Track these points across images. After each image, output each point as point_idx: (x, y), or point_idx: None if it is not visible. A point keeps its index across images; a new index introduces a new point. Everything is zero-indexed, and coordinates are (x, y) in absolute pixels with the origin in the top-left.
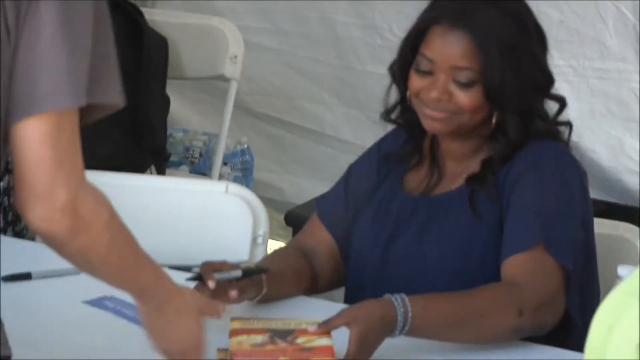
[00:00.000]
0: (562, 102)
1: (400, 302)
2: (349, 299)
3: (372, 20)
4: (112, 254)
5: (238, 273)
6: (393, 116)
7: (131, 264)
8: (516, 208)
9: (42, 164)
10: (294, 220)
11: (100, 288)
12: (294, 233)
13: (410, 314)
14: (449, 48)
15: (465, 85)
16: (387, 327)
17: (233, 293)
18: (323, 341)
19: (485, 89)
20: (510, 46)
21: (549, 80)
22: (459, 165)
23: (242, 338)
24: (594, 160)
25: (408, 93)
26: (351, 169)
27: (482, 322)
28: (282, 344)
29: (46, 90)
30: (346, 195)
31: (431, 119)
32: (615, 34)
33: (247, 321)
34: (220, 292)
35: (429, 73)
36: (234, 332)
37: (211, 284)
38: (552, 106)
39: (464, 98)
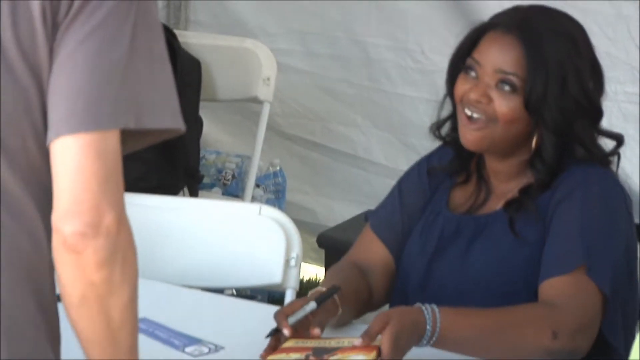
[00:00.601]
0: (618, 140)
1: (429, 311)
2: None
3: (405, 43)
4: (127, 312)
5: (313, 306)
6: (442, 133)
7: (131, 344)
8: (559, 230)
9: (89, 177)
10: (327, 242)
11: None
12: (327, 256)
13: (439, 324)
14: (498, 51)
15: (507, 92)
16: (417, 333)
17: (316, 332)
18: (356, 357)
19: (526, 98)
20: (559, 62)
21: (596, 110)
22: (505, 185)
23: (279, 356)
24: (627, 185)
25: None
26: (401, 183)
27: (514, 341)
28: None
29: (93, 109)
30: (401, 208)
31: (467, 128)
32: None
33: (304, 340)
34: (303, 331)
35: (474, 77)
36: (280, 350)
37: (287, 332)
38: (607, 143)
39: (503, 105)
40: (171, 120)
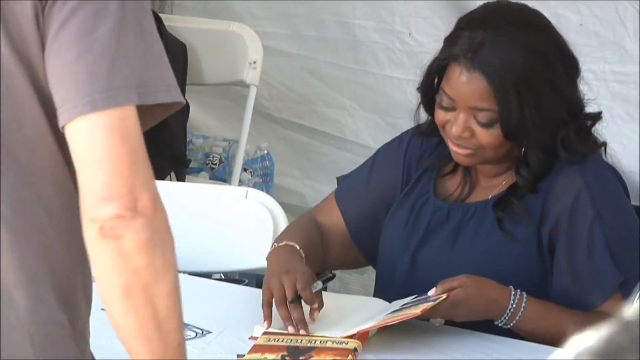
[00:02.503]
0: (595, 119)
1: (516, 298)
2: (377, 295)
3: (392, 24)
4: (172, 302)
5: (319, 285)
6: (426, 130)
7: (179, 341)
8: (583, 254)
9: (118, 162)
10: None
11: None
12: None
13: (520, 313)
14: (466, 88)
15: (486, 125)
16: (489, 312)
17: (316, 316)
18: None
19: (503, 129)
20: (528, 83)
21: (576, 109)
22: (492, 180)
23: (254, 356)
24: (614, 164)
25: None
26: (379, 154)
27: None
28: None
29: (106, 85)
30: (368, 183)
31: (456, 153)
32: (635, 37)
33: (274, 336)
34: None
35: (452, 109)
36: (253, 348)
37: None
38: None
39: (486, 136)
40: (170, 93)
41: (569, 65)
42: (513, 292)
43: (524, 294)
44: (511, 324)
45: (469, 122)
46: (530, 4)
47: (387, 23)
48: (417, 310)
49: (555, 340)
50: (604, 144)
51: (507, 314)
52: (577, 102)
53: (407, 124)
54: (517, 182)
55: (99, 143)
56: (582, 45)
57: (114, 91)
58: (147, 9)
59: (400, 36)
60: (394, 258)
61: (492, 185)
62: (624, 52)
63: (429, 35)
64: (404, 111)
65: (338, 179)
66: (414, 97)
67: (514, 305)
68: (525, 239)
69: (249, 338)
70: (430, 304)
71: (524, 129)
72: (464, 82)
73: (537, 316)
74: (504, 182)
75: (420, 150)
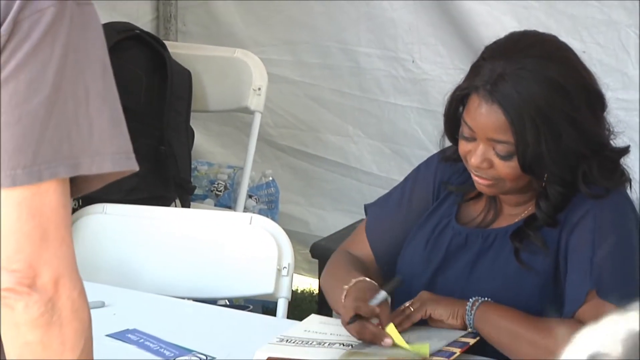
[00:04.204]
0: (622, 154)
1: (471, 302)
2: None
3: (395, 52)
4: None
5: (384, 295)
6: (452, 155)
7: None
8: (572, 265)
9: (20, 238)
10: (320, 252)
11: (122, 321)
12: (320, 266)
13: (472, 316)
14: (484, 119)
15: (504, 157)
16: (455, 304)
17: (387, 342)
18: None
19: (520, 162)
20: (546, 117)
21: (598, 144)
22: (515, 209)
23: None
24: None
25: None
26: (409, 179)
27: (533, 351)
28: None
29: (31, 159)
30: (399, 207)
31: (478, 183)
32: (637, 64)
33: None
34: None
35: (472, 139)
36: None
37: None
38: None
39: (504, 168)
40: (113, 163)
41: (592, 100)
42: (472, 299)
43: (485, 298)
44: (473, 311)
45: (487, 154)
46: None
47: (391, 50)
48: None
49: (506, 348)
50: (629, 180)
51: (468, 306)
52: (598, 138)
53: (411, 151)
54: (536, 214)
55: (8, 216)
56: None
57: (39, 166)
58: (99, 67)
59: (404, 63)
60: (412, 277)
61: (514, 214)
62: (627, 79)
63: (433, 63)
64: (408, 138)
65: (366, 207)
66: (418, 124)
67: (469, 307)
68: (542, 269)
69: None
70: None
71: (541, 163)
72: (482, 114)
73: (489, 317)
74: (526, 211)
75: (447, 174)
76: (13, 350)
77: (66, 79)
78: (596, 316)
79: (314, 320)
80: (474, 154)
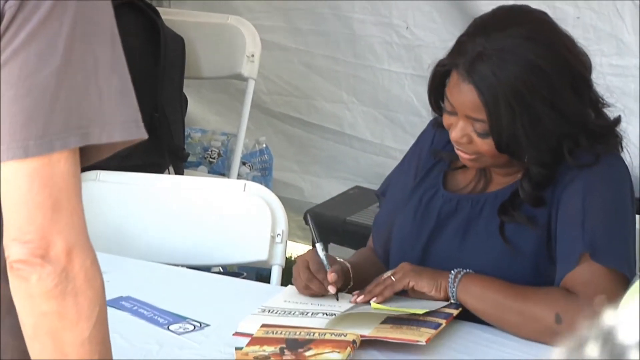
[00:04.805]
0: (611, 128)
1: (454, 273)
2: None
3: (389, 18)
4: (85, 352)
5: (320, 247)
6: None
7: None
8: (562, 227)
9: (33, 209)
10: (313, 219)
11: (116, 288)
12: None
13: (455, 287)
14: (462, 97)
15: (481, 135)
16: (436, 274)
17: (332, 276)
18: (330, 355)
19: (495, 142)
20: (522, 100)
21: (581, 124)
22: (506, 177)
23: (253, 349)
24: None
25: None
26: (406, 155)
27: (518, 318)
28: (288, 357)
29: (42, 131)
30: (386, 206)
31: (460, 156)
32: (632, 31)
33: (272, 329)
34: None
35: (453, 114)
36: (252, 341)
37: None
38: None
39: (483, 145)
40: (123, 131)
41: (576, 82)
42: (453, 270)
43: (467, 270)
44: (458, 278)
45: (467, 129)
46: None
47: (385, 17)
48: (422, 339)
49: (491, 316)
50: (620, 141)
51: (451, 275)
52: (582, 117)
53: (405, 118)
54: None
55: (19, 187)
56: (579, 39)
57: (50, 137)
58: (108, 38)
59: (398, 30)
60: (404, 251)
61: (505, 182)
62: (622, 45)
63: (427, 29)
64: (402, 105)
65: (377, 194)
66: (412, 91)
67: (452, 278)
68: (529, 249)
69: (234, 334)
70: (434, 332)
71: (518, 145)
72: (459, 92)
73: (471, 288)
74: (517, 178)
75: (442, 142)
76: (28, 321)
77: (76, 49)
78: (590, 280)
79: (293, 291)
80: (455, 129)
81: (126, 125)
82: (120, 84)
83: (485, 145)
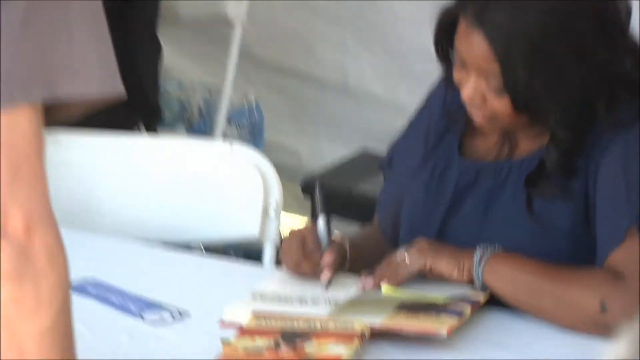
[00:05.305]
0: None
1: (480, 251)
2: None
3: None
4: (46, 345)
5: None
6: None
7: None
8: (603, 200)
9: None
10: (313, 189)
11: (79, 269)
12: (313, 205)
13: (481, 268)
14: (472, 48)
15: (497, 91)
16: (458, 254)
17: (328, 258)
18: (334, 349)
19: (512, 101)
20: (542, 51)
21: (619, 73)
22: (535, 139)
23: (243, 341)
24: None
25: None
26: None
27: (557, 306)
28: (284, 351)
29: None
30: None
31: (472, 112)
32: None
33: (266, 319)
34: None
35: (463, 67)
36: (241, 332)
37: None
38: None
39: (498, 104)
40: (98, 85)
41: (607, 27)
42: (480, 247)
43: (494, 246)
44: (483, 262)
45: (480, 87)
46: None
47: None
48: (443, 330)
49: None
50: None
51: (476, 257)
52: (616, 68)
53: (422, 68)
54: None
55: None
56: None
57: (10, 86)
58: None
59: None
60: (417, 231)
61: (535, 147)
62: None
63: None
64: (417, 53)
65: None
66: (430, 36)
67: (477, 258)
68: (570, 209)
69: (219, 324)
70: (457, 321)
71: (539, 103)
72: (468, 42)
73: (500, 268)
74: (545, 141)
75: (456, 102)
76: None
77: None
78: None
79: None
80: (466, 86)
81: (101, 79)
82: (95, 31)
83: (501, 104)
